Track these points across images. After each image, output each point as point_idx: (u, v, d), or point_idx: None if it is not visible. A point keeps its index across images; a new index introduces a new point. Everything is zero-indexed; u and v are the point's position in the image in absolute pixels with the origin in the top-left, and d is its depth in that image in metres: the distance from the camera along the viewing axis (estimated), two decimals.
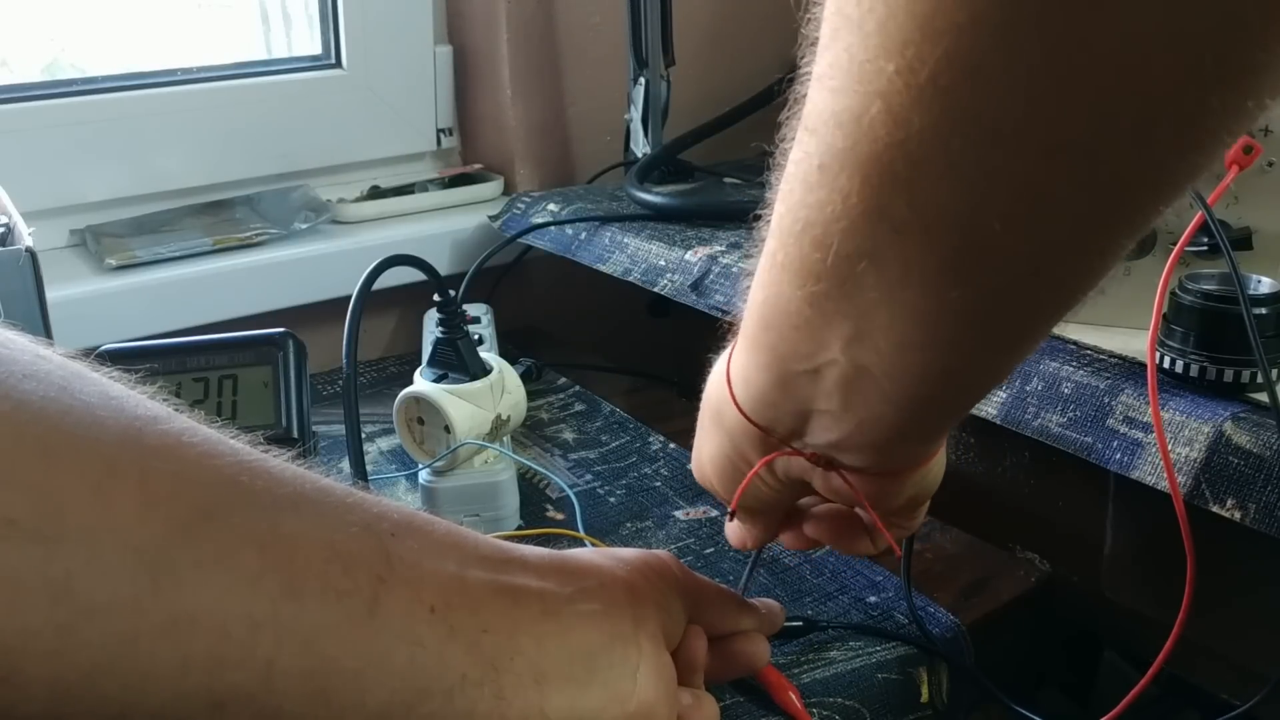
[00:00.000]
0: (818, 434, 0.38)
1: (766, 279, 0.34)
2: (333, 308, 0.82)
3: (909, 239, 0.28)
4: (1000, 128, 0.25)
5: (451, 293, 0.65)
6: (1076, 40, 0.23)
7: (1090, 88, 0.24)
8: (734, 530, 0.49)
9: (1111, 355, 0.53)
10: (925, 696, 0.54)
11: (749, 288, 0.37)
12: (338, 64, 1.00)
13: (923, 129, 0.25)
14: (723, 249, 0.75)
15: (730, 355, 0.42)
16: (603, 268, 0.83)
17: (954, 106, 0.25)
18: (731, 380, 0.41)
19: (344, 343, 0.62)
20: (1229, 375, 0.48)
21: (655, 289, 0.77)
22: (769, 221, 0.34)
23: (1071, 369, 0.53)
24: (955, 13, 0.23)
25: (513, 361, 0.77)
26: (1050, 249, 0.28)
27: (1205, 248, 0.52)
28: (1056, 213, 0.26)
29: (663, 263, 0.78)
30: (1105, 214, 0.27)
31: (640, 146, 0.98)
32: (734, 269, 0.72)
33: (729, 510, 0.46)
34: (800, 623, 0.55)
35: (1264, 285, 0.49)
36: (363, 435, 0.65)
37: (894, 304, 0.30)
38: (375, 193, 1.01)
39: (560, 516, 0.67)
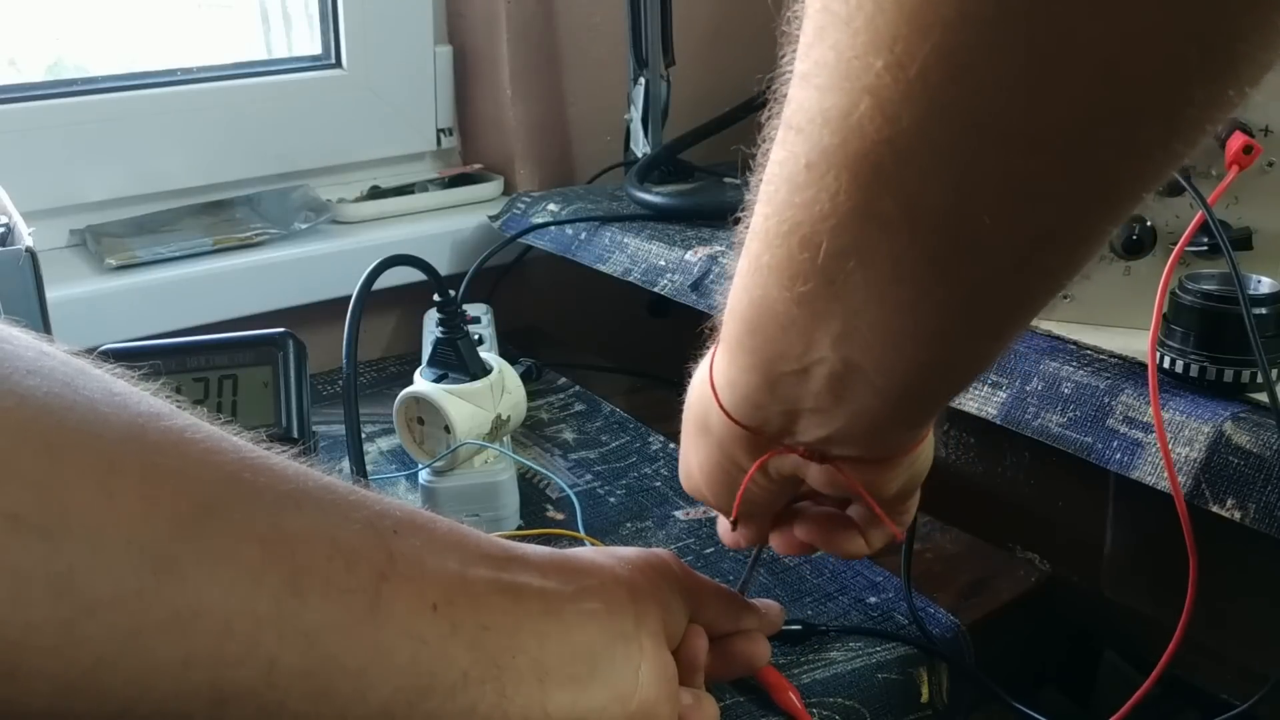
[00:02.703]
0: (808, 431, 0.38)
1: (751, 282, 0.34)
2: (333, 308, 0.82)
3: (897, 235, 0.28)
4: (988, 122, 0.25)
5: (451, 293, 0.65)
6: (1064, 34, 0.23)
7: (1077, 81, 0.24)
8: (726, 531, 0.49)
9: (1111, 355, 0.53)
10: (925, 696, 0.54)
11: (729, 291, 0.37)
12: (338, 64, 1.00)
13: (911, 124, 0.25)
14: (723, 249, 0.75)
15: (712, 361, 0.41)
16: (603, 268, 0.83)
17: (942, 101, 0.25)
18: (716, 385, 0.41)
19: (344, 343, 0.62)
20: (1229, 375, 0.48)
21: (655, 289, 0.77)
22: (748, 225, 0.34)
23: (1071, 369, 0.53)
24: (944, 8, 0.24)
25: (513, 361, 0.77)
26: (1037, 240, 0.28)
27: (1205, 248, 0.52)
28: (1043, 205, 0.27)
29: (663, 263, 0.78)
30: (1091, 203, 0.27)
31: (640, 146, 0.98)
32: (734, 269, 0.72)
33: (731, 519, 0.46)
34: (799, 627, 0.55)
35: (1264, 285, 0.49)
36: (363, 435, 0.65)
37: (883, 300, 0.30)
38: (375, 193, 1.01)
39: (560, 516, 0.67)
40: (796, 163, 0.29)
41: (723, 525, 0.49)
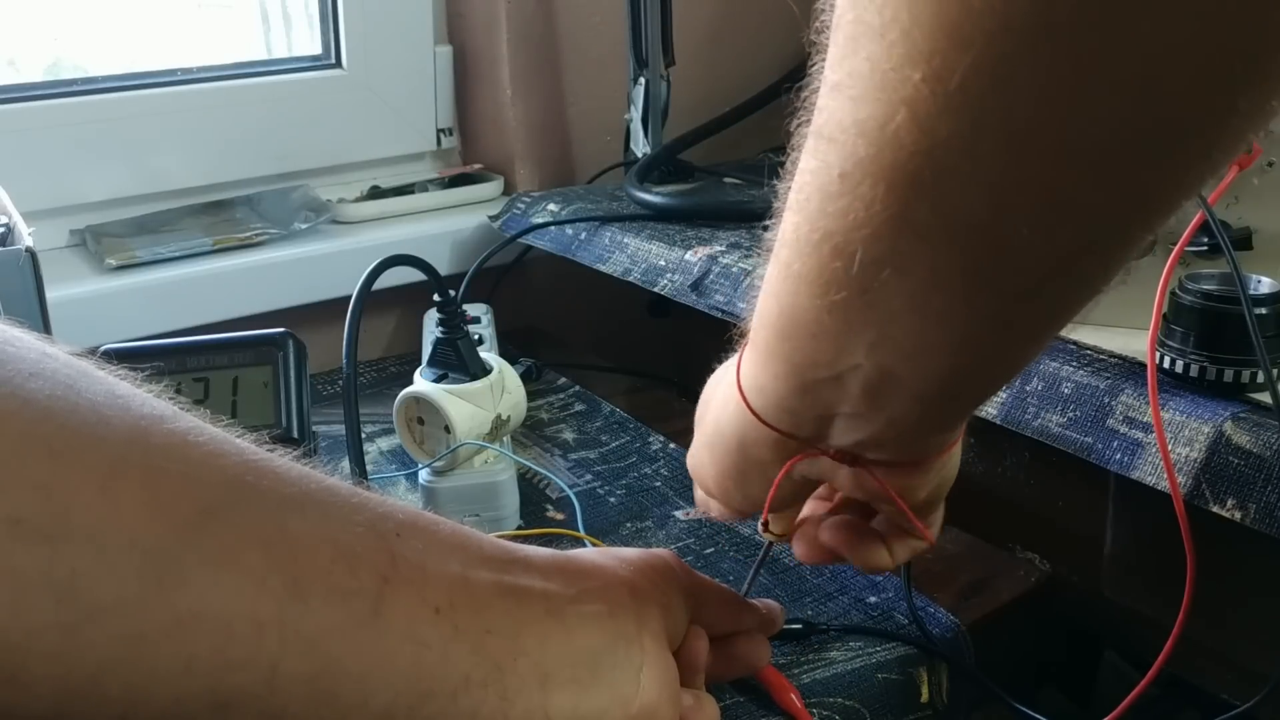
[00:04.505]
0: (842, 435, 0.38)
1: (781, 289, 0.34)
2: (333, 308, 0.82)
3: (934, 245, 0.28)
4: (1028, 133, 0.25)
5: (451, 293, 0.65)
6: (1107, 46, 0.23)
7: (1119, 92, 0.24)
8: (716, 507, 0.48)
9: (1111, 355, 0.53)
10: (925, 696, 0.54)
11: (757, 298, 0.37)
12: (338, 64, 1.00)
13: (949, 136, 0.25)
14: (723, 249, 0.75)
15: (739, 366, 0.41)
16: (603, 268, 0.83)
17: (982, 113, 0.25)
18: (744, 389, 0.40)
19: (344, 343, 0.62)
20: (1229, 375, 0.48)
21: (655, 289, 0.77)
22: (777, 232, 0.34)
23: (1071, 369, 0.53)
24: (984, 20, 0.23)
25: (513, 361, 0.77)
26: (1075, 249, 0.28)
27: (1205, 248, 0.52)
28: (1082, 215, 0.27)
29: (663, 263, 0.78)
30: (1130, 213, 0.27)
31: (640, 146, 0.98)
32: (734, 269, 0.72)
33: (763, 520, 0.46)
34: (800, 625, 0.55)
35: (1264, 285, 0.49)
36: (363, 435, 0.65)
37: (918, 309, 0.30)
38: (375, 193, 1.01)
39: (560, 516, 0.67)
40: (829, 172, 0.29)
41: (711, 503, 0.49)
